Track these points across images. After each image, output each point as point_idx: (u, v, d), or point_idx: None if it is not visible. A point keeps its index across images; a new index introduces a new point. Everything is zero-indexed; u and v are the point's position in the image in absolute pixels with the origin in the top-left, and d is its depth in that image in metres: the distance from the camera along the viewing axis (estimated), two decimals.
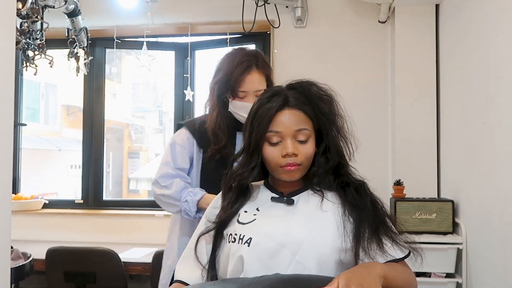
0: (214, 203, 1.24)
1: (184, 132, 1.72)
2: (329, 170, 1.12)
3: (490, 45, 1.94)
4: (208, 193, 1.64)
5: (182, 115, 3.32)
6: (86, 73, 3.12)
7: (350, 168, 1.16)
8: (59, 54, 2.97)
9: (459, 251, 2.27)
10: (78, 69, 2.98)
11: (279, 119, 1.09)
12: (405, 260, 1.08)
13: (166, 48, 3.41)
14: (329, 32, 3.03)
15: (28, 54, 2.69)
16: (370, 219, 1.06)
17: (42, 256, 2.49)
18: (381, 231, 1.07)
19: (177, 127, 1.79)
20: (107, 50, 3.46)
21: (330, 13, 3.03)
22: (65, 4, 2.67)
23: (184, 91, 3.20)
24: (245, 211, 1.14)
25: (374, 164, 2.89)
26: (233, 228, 1.12)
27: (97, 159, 3.39)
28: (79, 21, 2.85)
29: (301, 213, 1.10)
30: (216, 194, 1.32)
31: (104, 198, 3.47)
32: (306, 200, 1.12)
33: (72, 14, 2.78)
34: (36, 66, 2.74)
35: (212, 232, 1.16)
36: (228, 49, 1.77)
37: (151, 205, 3.38)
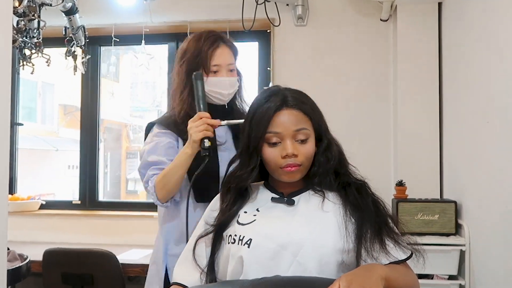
0: (213, 205, 1.24)
1: (157, 130, 1.60)
2: (329, 169, 1.13)
3: (494, 43, 1.94)
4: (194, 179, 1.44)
5: None
6: (83, 72, 3.12)
7: (351, 168, 1.16)
8: (56, 53, 2.97)
9: (462, 253, 2.27)
10: (75, 68, 2.98)
11: (278, 119, 1.09)
12: (407, 261, 1.08)
13: (164, 41, 3.39)
14: (330, 30, 3.03)
15: (25, 53, 2.69)
16: (372, 219, 1.07)
17: (39, 257, 2.49)
18: (384, 231, 1.07)
19: (148, 127, 1.65)
20: (105, 49, 3.46)
21: (331, 11, 3.03)
22: (62, 2, 2.66)
23: None
24: (245, 212, 1.14)
25: (375, 164, 2.89)
26: (233, 229, 1.12)
27: (94, 159, 3.40)
28: (77, 19, 2.85)
29: (302, 213, 1.10)
30: (203, 181, 1.37)
31: (102, 199, 3.48)
32: (307, 201, 1.12)
33: (70, 12, 2.77)
34: (33, 65, 2.74)
35: (211, 235, 1.16)
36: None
37: (150, 206, 3.38)
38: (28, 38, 2.60)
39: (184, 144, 1.50)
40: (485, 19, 2.05)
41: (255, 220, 1.11)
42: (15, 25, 2.49)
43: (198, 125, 1.39)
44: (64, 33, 2.87)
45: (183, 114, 1.55)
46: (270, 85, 3.02)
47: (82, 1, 2.95)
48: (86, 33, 2.95)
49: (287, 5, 3.00)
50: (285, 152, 1.08)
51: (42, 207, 3.37)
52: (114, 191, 4.70)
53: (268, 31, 3.11)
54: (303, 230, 1.06)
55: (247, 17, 2.87)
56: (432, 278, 2.32)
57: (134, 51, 3.57)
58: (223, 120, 1.46)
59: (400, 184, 2.54)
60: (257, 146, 1.11)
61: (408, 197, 2.49)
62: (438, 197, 2.67)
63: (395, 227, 1.10)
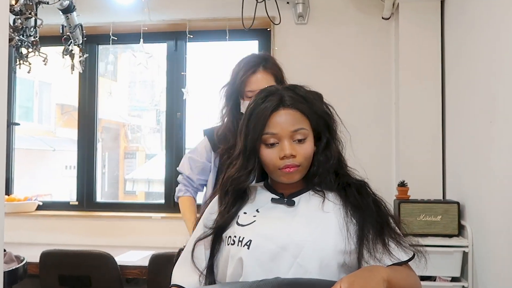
0: (211, 208, 1.24)
1: (204, 140, 1.92)
2: (330, 168, 1.12)
3: (497, 41, 1.94)
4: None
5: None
6: (81, 71, 3.12)
7: (349, 169, 1.16)
8: (54, 52, 2.96)
9: (465, 254, 2.27)
10: (73, 67, 2.98)
11: (275, 120, 1.09)
12: (409, 263, 1.08)
13: (162, 39, 3.39)
14: (331, 29, 3.03)
15: (21, 52, 2.69)
16: (373, 219, 1.06)
17: (36, 259, 2.49)
18: (385, 232, 1.07)
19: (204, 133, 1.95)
20: (103, 48, 3.46)
21: (332, 9, 3.03)
22: (59, 0, 2.67)
23: (182, 89, 3.21)
24: (245, 213, 1.14)
25: (377, 165, 2.89)
26: (232, 230, 1.12)
27: (92, 159, 3.40)
28: (74, 18, 2.85)
29: (302, 214, 1.09)
30: None
31: (100, 199, 3.48)
32: (307, 201, 1.12)
33: (67, 10, 2.77)
34: (30, 63, 2.73)
35: (209, 237, 1.16)
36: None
37: (148, 207, 3.38)
38: (24, 36, 2.60)
39: (217, 156, 1.83)
40: (488, 17, 2.05)
41: (255, 221, 1.11)
42: (11, 23, 2.49)
43: None
44: (61, 31, 2.87)
45: (223, 129, 1.80)
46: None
47: None
48: (84, 31, 2.94)
49: (288, 3, 3.00)
50: (283, 153, 1.08)
51: (39, 208, 3.37)
52: (112, 192, 4.69)
53: (268, 29, 3.11)
54: (304, 231, 1.06)
55: (247, 15, 2.87)
56: (434, 280, 2.32)
57: (133, 50, 3.58)
58: None
59: (402, 184, 2.54)
60: (254, 148, 1.11)
61: (410, 198, 2.49)
62: (441, 198, 2.67)
63: (396, 228, 1.10)
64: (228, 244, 1.10)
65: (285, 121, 1.09)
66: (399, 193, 2.53)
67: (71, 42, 2.91)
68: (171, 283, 1.19)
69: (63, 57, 2.95)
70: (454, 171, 2.57)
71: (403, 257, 1.06)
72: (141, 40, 3.16)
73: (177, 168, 2.00)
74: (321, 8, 3.04)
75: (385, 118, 2.94)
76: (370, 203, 1.09)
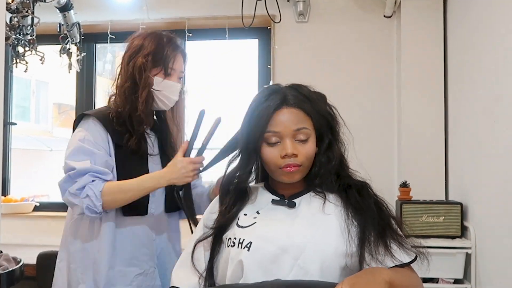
0: (211, 208, 1.24)
1: (93, 125, 1.54)
2: (331, 170, 1.12)
3: (501, 40, 1.94)
4: None
5: None
6: (78, 70, 3.12)
7: (351, 170, 1.17)
8: (51, 50, 2.96)
9: (468, 256, 2.27)
10: (70, 66, 2.98)
11: (278, 118, 1.09)
12: (411, 265, 1.08)
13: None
14: (332, 27, 3.03)
15: (18, 50, 2.69)
16: (375, 221, 1.06)
17: (33, 261, 2.49)
18: (387, 233, 1.07)
19: (79, 118, 1.59)
20: (101, 46, 3.46)
21: (333, 8, 3.03)
22: None
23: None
24: (245, 214, 1.15)
25: (379, 165, 2.89)
26: (232, 232, 1.12)
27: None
28: (71, 16, 2.85)
29: (303, 216, 1.10)
30: None
31: None
32: (308, 203, 1.12)
33: (64, 9, 2.77)
34: (27, 62, 2.73)
35: (210, 239, 1.16)
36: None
37: None
38: (21, 35, 2.60)
39: (114, 144, 1.52)
40: (492, 14, 2.05)
41: (255, 222, 1.11)
42: (8, 21, 2.49)
43: (190, 170, 1.42)
44: (58, 30, 2.87)
45: (144, 107, 1.53)
46: (271, 83, 3.02)
47: None
48: (81, 30, 2.94)
49: (288, 1, 3.00)
50: (285, 152, 1.08)
51: (36, 209, 3.37)
52: None
53: (268, 28, 3.11)
54: (305, 233, 1.06)
55: (246, 14, 2.87)
56: (437, 282, 2.32)
57: None
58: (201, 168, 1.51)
59: (404, 185, 2.54)
60: (256, 146, 1.11)
61: (412, 199, 2.49)
62: (443, 198, 2.67)
63: (398, 229, 1.10)
64: (228, 246, 1.11)
65: (287, 119, 1.09)
66: (401, 194, 2.53)
67: (69, 40, 2.91)
68: (170, 285, 1.19)
69: (60, 56, 2.95)
70: (457, 171, 2.57)
71: (405, 259, 1.06)
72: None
73: (69, 167, 1.47)
74: (322, 6, 3.04)
75: (386, 118, 2.94)
76: (371, 205, 1.09)
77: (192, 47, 3.36)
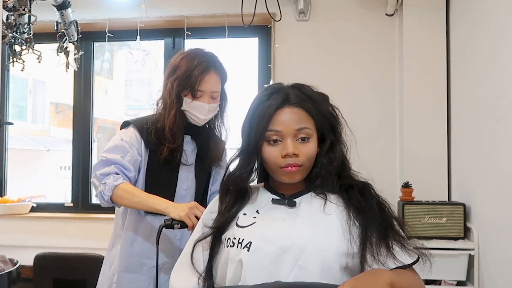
0: (211, 207, 1.25)
1: (132, 131, 1.74)
2: (332, 171, 1.13)
3: (504, 38, 1.94)
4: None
5: None
6: (76, 69, 3.12)
7: (353, 171, 1.17)
8: (48, 49, 2.96)
9: (471, 258, 2.27)
10: (67, 65, 2.98)
11: (279, 117, 1.10)
12: (413, 266, 1.08)
13: (160, 36, 3.38)
14: (333, 25, 3.03)
15: (15, 49, 2.69)
16: (377, 222, 1.07)
17: (30, 262, 2.49)
18: (389, 235, 1.07)
19: (123, 125, 1.79)
20: (99, 45, 3.46)
21: (335, 6, 3.03)
22: None
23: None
24: (244, 214, 1.15)
25: (381, 165, 2.89)
26: (232, 232, 1.12)
27: (87, 160, 3.40)
28: (69, 14, 2.85)
29: (304, 215, 1.10)
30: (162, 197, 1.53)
31: (96, 201, 3.47)
32: (309, 202, 1.12)
33: (62, 7, 2.77)
34: (24, 61, 2.73)
35: (209, 238, 1.16)
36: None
37: None
38: (18, 33, 2.60)
39: (148, 153, 1.71)
40: (495, 12, 2.05)
41: (255, 222, 1.11)
42: (4, 20, 2.49)
43: (192, 214, 1.50)
44: (55, 28, 2.87)
45: (170, 125, 1.68)
46: (271, 82, 3.02)
47: None
48: (79, 28, 2.94)
49: None
50: (286, 151, 1.08)
51: (33, 209, 3.37)
52: None
53: (268, 26, 3.11)
54: (305, 232, 1.06)
55: (246, 12, 2.87)
56: (439, 284, 2.32)
57: (129, 47, 3.57)
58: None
59: (406, 185, 2.54)
60: (257, 145, 1.11)
61: (414, 200, 2.49)
62: (446, 199, 2.67)
63: (400, 230, 1.10)
64: (227, 246, 1.11)
65: (289, 119, 1.09)
66: (403, 195, 2.53)
67: (66, 39, 2.91)
68: (169, 287, 1.19)
69: (57, 55, 2.95)
70: (460, 172, 2.57)
71: (407, 260, 1.06)
72: (138, 37, 3.16)
73: (103, 156, 1.68)
74: (322, 4, 3.04)
75: (389, 117, 2.94)
76: (373, 205, 1.09)
77: (191, 46, 3.36)
